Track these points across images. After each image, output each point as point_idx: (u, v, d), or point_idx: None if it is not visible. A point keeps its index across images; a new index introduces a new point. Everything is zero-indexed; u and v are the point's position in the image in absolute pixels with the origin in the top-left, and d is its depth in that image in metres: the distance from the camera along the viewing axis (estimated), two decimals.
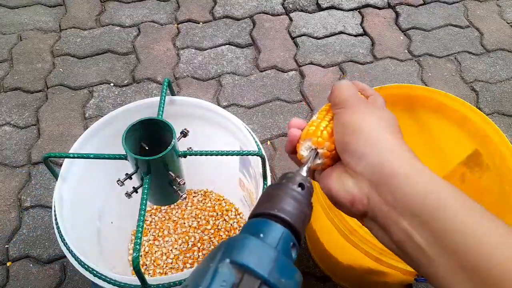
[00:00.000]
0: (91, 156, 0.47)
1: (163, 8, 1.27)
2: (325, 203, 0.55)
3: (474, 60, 1.18)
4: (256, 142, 0.56)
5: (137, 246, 0.36)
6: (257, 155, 0.49)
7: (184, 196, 0.46)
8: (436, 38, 1.23)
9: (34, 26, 1.20)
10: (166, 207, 0.79)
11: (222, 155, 0.47)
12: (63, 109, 1.02)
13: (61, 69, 1.10)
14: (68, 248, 0.46)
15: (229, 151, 0.48)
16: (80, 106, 1.03)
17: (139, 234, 0.38)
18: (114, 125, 0.58)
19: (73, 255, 0.45)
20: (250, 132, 0.58)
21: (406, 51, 1.19)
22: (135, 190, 0.45)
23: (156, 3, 1.28)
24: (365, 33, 1.23)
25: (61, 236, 0.47)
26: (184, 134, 0.47)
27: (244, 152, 0.50)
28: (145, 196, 0.41)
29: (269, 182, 0.53)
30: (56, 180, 0.52)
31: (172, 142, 0.40)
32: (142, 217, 0.39)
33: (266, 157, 0.52)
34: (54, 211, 0.49)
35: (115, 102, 1.04)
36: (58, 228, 0.48)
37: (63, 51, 1.14)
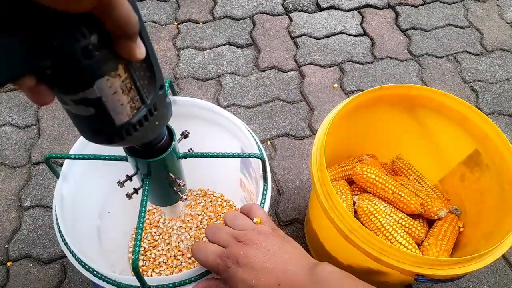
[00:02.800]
0: (92, 157, 0.47)
1: (163, 8, 1.27)
2: (324, 203, 0.55)
3: (474, 60, 1.18)
4: (257, 143, 0.56)
5: (137, 248, 0.36)
6: (257, 158, 0.50)
7: (185, 197, 0.46)
8: (436, 38, 1.23)
9: None
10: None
11: (222, 157, 0.47)
12: (63, 109, 1.01)
13: None
14: (68, 248, 0.46)
15: (230, 153, 0.48)
16: None
17: (139, 236, 0.38)
18: None
19: (74, 255, 0.45)
20: (251, 133, 0.58)
21: (406, 51, 1.19)
22: (136, 191, 0.45)
23: (156, 3, 1.28)
24: (365, 33, 1.23)
25: (61, 235, 0.47)
26: (185, 135, 0.47)
27: (245, 155, 0.50)
28: (145, 198, 0.41)
29: (269, 184, 0.53)
30: (57, 180, 0.52)
31: (172, 145, 0.40)
32: (142, 219, 0.39)
33: (266, 159, 0.52)
34: (55, 210, 0.50)
35: None
36: (58, 227, 0.48)
37: None
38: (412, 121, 0.75)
